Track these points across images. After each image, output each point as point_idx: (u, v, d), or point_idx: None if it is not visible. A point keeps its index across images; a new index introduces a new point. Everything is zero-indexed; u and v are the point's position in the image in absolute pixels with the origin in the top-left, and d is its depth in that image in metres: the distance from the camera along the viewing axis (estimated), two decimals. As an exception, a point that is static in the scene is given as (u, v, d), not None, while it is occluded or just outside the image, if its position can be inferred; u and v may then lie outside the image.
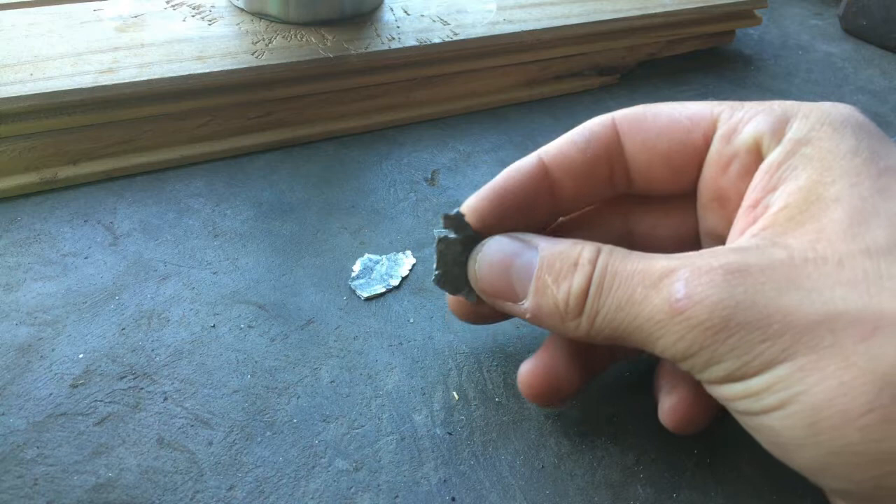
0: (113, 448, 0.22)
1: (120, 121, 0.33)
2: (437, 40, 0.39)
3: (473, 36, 0.39)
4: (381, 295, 0.29)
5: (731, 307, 0.16)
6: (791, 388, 0.16)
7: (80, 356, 0.25)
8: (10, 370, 0.24)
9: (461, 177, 0.36)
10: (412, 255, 0.31)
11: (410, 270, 0.30)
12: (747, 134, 0.20)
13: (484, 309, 0.24)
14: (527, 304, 0.21)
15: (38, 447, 0.22)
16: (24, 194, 0.32)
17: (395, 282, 0.29)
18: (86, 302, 0.27)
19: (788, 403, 0.16)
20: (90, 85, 0.32)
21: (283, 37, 0.37)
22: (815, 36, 0.55)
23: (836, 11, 0.58)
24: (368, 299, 0.28)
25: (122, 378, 0.24)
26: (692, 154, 0.22)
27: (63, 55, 0.33)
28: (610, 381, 0.26)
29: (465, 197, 0.34)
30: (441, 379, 0.25)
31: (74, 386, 0.24)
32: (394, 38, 0.38)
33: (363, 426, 0.24)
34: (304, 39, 0.37)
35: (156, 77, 0.33)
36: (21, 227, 0.30)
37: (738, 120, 0.21)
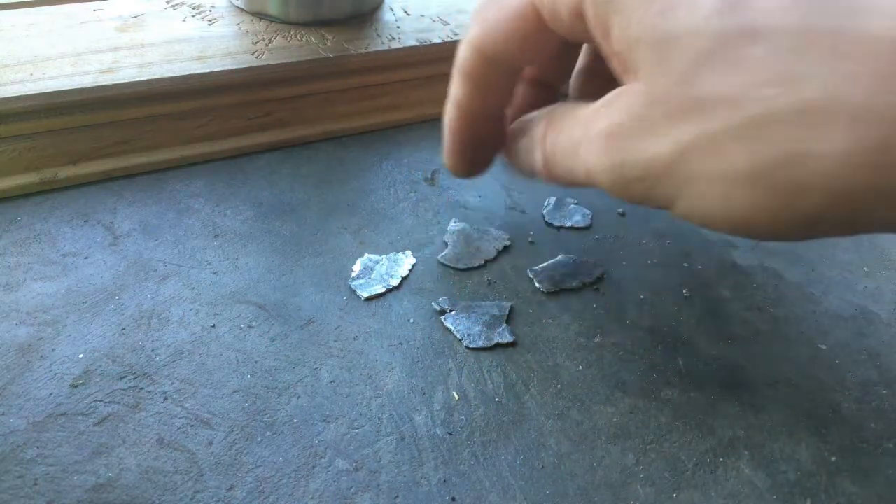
0: (113, 448, 0.22)
1: (120, 121, 0.33)
2: (437, 40, 0.39)
3: (473, 36, 0.39)
4: (382, 295, 0.29)
5: (620, 167, 0.19)
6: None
7: (80, 356, 0.25)
8: (10, 370, 0.24)
9: (461, 177, 0.36)
10: (412, 255, 0.31)
11: (410, 270, 0.30)
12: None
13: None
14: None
15: (38, 447, 0.22)
16: (24, 194, 0.32)
17: (395, 282, 0.29)
18: (86, 302, 0.27)
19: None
20: (90, 85, 0.32)
21: (284, 37, 0.37)
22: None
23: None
24: (368, 299, 0.28)
25: (122, 378, 0.24)
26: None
27: (63, 55, 0.33)
28: (610, 381, 0.26)
29: (466, 197, 0.35)
30: (441, 379, 0.25)
31: (74, 386, 0.24)
32: (394, 39, 0.38)
33: (363, 426, 0.24)
34: (304, 39, 0.37)
35: (156, 77, 0.33)
36: (21, 227, 0.30)
37: None
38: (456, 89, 0.25)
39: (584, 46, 0.27)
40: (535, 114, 0.24)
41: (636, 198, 0.19)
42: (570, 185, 0.22)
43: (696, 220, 0.18)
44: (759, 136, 0.16)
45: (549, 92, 0.28)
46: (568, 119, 0.21)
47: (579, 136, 0.20)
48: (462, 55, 0.23)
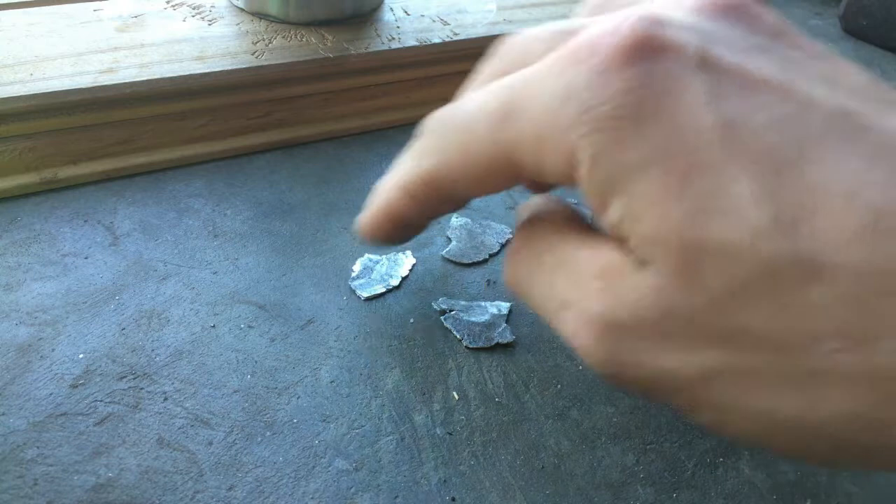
0: (113, 448, 0.22)
1: (120, 121, 0.33)
2: (437, 40, 0.39)
3: (474, 36, 0.39)
4: (382, 295, 0.29)
5: (615, 368, 0.16)
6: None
7: (80, 356, 0.25)
8: (10, 370, 0.24)
9: (461, 177, 0.36)
10: (412, 255, 0.31)
11: (410, 270, 0.30)
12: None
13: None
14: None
15: (38, 447, 0.22)
16: (24, 194, 0.32)
17: (395, 282, 0.29)
18: (86, 302, 0.27)
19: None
20: (90, 85, 0.32)
21: (284, 37, 0.37)
22: (816, 36, 0.55)
23: (837, 11, 0.57)
24: (368, 299, 0.28)
25: (122, 378, 0.24)
26: None
27: (63, 55, 0.33)
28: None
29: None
30: (441, 379, 0.25)
31: (74, 386, 0.24)
32: (394, 39, 0.38)
33: (363, 426, 0.24)
34: (304, 39, 0.37)
35: (156, 77, 0.33)
36: (21, 227, 0.30)
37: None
38: (388, 194, 0.21)
39: None
40: (523, 205, 0.21)
41: (635, 392, 0.17)
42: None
43: (719, 433, 0.16)
44: (818, 391, 0.13)
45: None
46: (550, 259, 0.18)
47: (565, 295, 0.17)
48: (408, 177, 0.20)
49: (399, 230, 0.23)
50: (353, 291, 0.29)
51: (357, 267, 0.30)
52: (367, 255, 0.30)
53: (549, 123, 0.16)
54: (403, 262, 0.30)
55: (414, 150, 0.20)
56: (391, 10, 0.42)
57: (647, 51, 0.15)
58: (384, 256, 0.30)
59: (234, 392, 0.24)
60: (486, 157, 0.18)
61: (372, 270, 0.30)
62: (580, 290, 0.16)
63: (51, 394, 0.24)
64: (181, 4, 0.39)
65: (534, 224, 0.20)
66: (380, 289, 0.29)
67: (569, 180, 0.16)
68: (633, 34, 0.15)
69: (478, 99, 0.18)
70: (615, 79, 0.14)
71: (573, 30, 0.18)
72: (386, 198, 0.22)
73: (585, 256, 0.17)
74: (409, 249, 0.31)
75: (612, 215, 0.15)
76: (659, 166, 0.14)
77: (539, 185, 0.23)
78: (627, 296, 0.15)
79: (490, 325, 0.27)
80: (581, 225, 0.19)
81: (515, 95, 0.17)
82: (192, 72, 0.33)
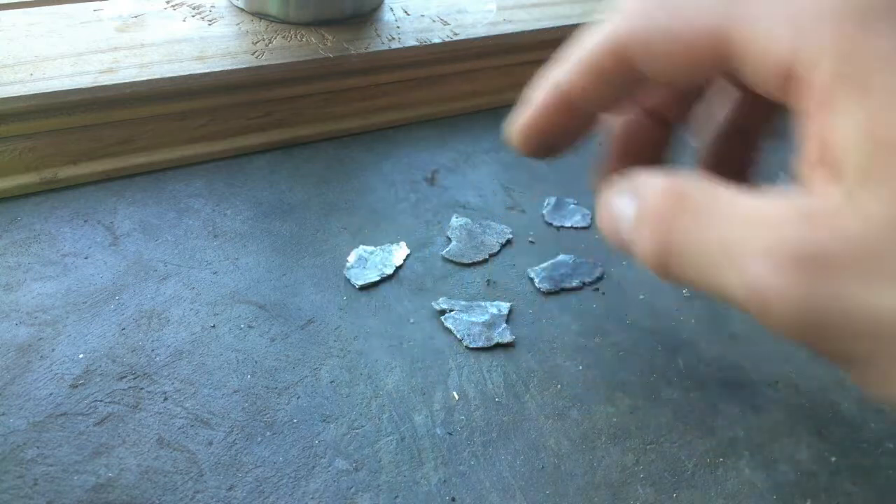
0: (113, 448, 0.22)
1: (120, 121, 0.33)
2: (437, 40, 0.39)
3: (474, 36, 0.39)
4: (376, 284, 0.29)
5: (811, 310, 0.14)
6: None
7: (80, 356, 0.25)
8: (10, 370, 0.24)
9: (461, 177, 0.36)
10: (406, 245, 0.31)
11: (405, 260, 0.30)
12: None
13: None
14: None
15: (38, 447, 0.22)
16: (24, 194, 0.32)
17: (389, 270, 0.29)
18: (86, 302, 0.27)
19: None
20: (90, 85, 0.31)
21: (284, 37, 0.37)
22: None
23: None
24: (363, 288, 0.28)
25: (122, 378, 0.24)
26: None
27: (63, 55, 0.33)
28: (610, 381, 0.26)
29: (466, 197, 0.35)
30: (441, 379, 0.25)
31: (74, 386, 0.24)
32: (394, 39, 0.38)
33: (363, 426, 0.24)
34: (304, 39, 0.37)
35: (156, 77, 0.33)
36: (21, 227, 0.30)
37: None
38: (563, 73, 0.20)
39: (737, 99, 0.21)
40: (647, 176, 0.19)
41: (811, 344, 0.15)
42: (697, 290, 0.17)
43: (877, 391, 0.15)
44: None
45: (661, 129, 0.22)
46: (715, 209, 0.17)
47: (737, 240, 0.15)
48: (594, 45, 0.18)
49: (552, 131, 0.21)
50: (348, 281, 0.29)
51: (352, 258, 0.30)
52: (361, 247, 0.30)
53: (786, 13, 0.15)
54: (396, 251, 0.30)
55: (603, 22, 0.18)
56: (391, 10, 0.42)
57: None
58: (378, 247, 0.30)
59: (234, 392, 0.24)
60: (697, 31, 0.16)
61: (366, 260, 0.30)
62: (759, 229, 0.15)
63: (51, 394, 0.24)
64: (181, 4, 0.39)
65: (679, 181, 0.18)
66: (374, 277, 0.29)
67: (786, 82, 0.15)
68: None
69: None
70: None
71: None
72: (563, 79, 0.19)
73: (741, 198, 0.16)
74: (403, 241, 0.31)
75: (844, 119, 0.14)
76: None
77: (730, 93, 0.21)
78: (826, 221, 0.14)
79: (490, 325, 0.27)
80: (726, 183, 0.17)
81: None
82: (192, 72, 0.33)
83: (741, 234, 0.15)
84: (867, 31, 0.14)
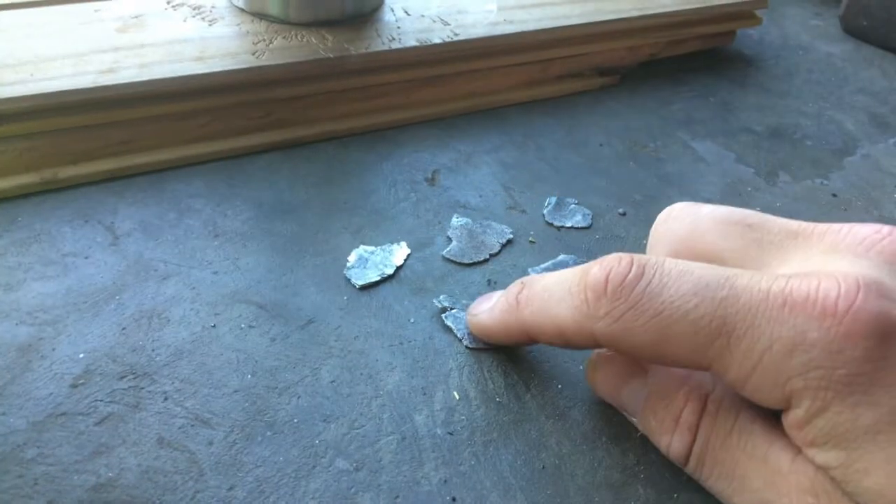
0: (113, 448, 0.22)
1: (120, 121, 0.33)
2: (437, 41, 0.39)
3: (474, 36, 0.39)
4: (377, 284, 0.29)
5: None
6: None
7: (81, 356, 0.25)
8: (10, 370, 0.24)
9: (462, 177, 0.36)
10: (406, 245, 0.31)
11: (406, 260, 0.30)
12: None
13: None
14: (637, 423, 0.23)
15: (38, 447, 0.22)
16: (24, 194, 0.32)
17: (390, 270, 0.29)
18: (86, 302, 0.27)
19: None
20: (90, 85, 0.32)
21: (284, 37, 0.37)
22: (816, 36, 0.55)
23: (837, 12, 0.58)
24: (363, 287, 0.28)
25: (122, 378, 0.24)
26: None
27: (63, 55, 0.33)
28: (611, 381, 0.26)
29: (466, 197, 0.35)
30: (442, 379, 0.25)
31: (74, 386, 0.24)
32: (394, 39, 0.38)
33: (364, 426, 0.24)
34: (304, 40, 0.37)
35: (156, 77, 0.33)
36: (21, 227, 0.30)
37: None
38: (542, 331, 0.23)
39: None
40: (684, 403, 0.21)
41: None
42: None
43: None
44: None
45: None
46: (748, 447, 0.19)
47: (766, 494, 0.18)
48: (580, 328, 0.21)
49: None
50: (349, 280, 0.29)
51: (352, 257, 0.30)
52: (362, 247, 0.30)
53: (770, 363, 0.17)
54: (397, 251, 0.30)
55: (602, 309, 0.20)
56: (391, 10, 0.42)
57: (886, 325, 0.16)
58: (378, 247, 0.30)
59: (235, 392, 0.24)
60: (687, 349, 0.18)
61: (367, 260, 0.30)
62: (783, 497, 0.18)
63: (51, 393, 0.24)
64: (181, 5, 0.39)
65: (722, 405, 0.21)
66: (374, 276, 0.29)
67: (776, 405, 0.18)
68: (865, 305, 0.16)
69: (685, 295, 0.18)
70: (852, 346, 0.16)
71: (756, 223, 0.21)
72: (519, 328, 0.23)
73: (785, 459, 0.18)
74: (403, 241, 0.31)
75: (829, 458, 0.17)
76: (890, 433, 0.16)
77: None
78: None
79: None
80: (762, 411, 0.20)
81: (731, 319, 0.18)
82: (193, 72, 0.33)
83: (765, 487, 0.19)
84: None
